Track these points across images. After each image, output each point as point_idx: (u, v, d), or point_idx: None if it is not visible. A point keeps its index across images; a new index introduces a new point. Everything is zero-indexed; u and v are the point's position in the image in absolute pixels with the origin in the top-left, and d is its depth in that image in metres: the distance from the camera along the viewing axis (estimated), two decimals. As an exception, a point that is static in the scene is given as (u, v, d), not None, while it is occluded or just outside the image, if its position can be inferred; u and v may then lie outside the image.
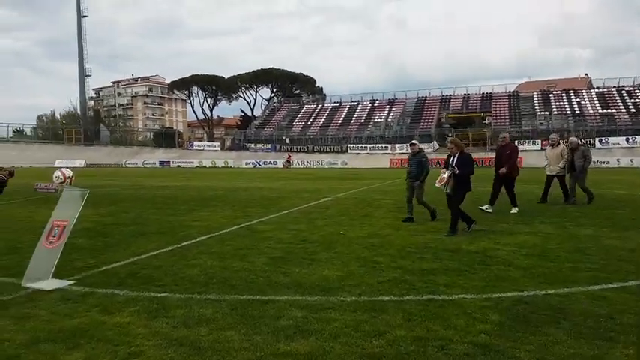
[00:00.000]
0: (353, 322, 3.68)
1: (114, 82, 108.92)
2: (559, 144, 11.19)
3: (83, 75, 76.48)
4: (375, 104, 60.86)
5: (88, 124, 73.72)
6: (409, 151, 9.01)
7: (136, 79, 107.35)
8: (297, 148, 54.40)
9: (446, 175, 7.38)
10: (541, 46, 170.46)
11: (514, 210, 9.63)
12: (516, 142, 51.35)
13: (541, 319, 3.73)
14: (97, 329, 3.53)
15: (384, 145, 50.81)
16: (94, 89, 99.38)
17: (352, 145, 53.01)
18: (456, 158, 7.48)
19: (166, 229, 8.06)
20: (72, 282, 4.68)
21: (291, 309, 3.97)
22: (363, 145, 52.00)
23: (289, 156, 48.14)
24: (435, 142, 48.53)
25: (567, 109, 52.95)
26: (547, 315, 3.80)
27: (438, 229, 7.82)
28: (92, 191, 7.20)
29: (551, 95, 55.89)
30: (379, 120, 57.57)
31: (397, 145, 49.22)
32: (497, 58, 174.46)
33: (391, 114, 58.19)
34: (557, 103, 54.11)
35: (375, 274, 5.05)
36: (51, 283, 4.50)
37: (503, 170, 9.48)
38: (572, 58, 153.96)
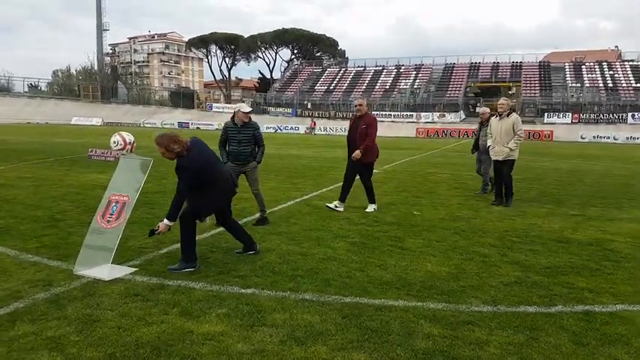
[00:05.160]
0: (511, 346, 2.81)
1: (130, 38, 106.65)
2: (510, 113, 7.42)
3: (101, 29, 74.30)
4: (401, 70, 58.34)
5: (105, 80, 72.36)
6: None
7: (152, 36, 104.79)
8: (318, 114, 52.78)
9: None
10: (564, 16, 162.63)
11: (370, 208, 6.83)
12: (546, 114, 49.59)
13: None
14: (186, 343, 2.71)
15: (408, 113, 48.94)
16: (109, 45, 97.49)
17: (376, 112, 51.26)
18: None
19: (215, 199, 7.23)
20: (134, 269, 3.85)
21: (418, 321, 3.12)
22: (387, 113, 50.20)
23: (313, 122, 46.25)
24: (462, 112, 46.75)
25: (600, 81, 50.39)
26: None
27: (523, 213, 6.87)
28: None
29: (583, 67, 53.15)
30: (405, 87, 55.33)
31: (422, 114, 47.44)
32: (519, 26, 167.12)
33: (417, 80, 55.85)
34: (589, 75, 51.49)
35: (491, 272, 4.17)
36: (110, 272, 3.66)
37: (357, 154, 6.50)
38: (595, 29, 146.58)
